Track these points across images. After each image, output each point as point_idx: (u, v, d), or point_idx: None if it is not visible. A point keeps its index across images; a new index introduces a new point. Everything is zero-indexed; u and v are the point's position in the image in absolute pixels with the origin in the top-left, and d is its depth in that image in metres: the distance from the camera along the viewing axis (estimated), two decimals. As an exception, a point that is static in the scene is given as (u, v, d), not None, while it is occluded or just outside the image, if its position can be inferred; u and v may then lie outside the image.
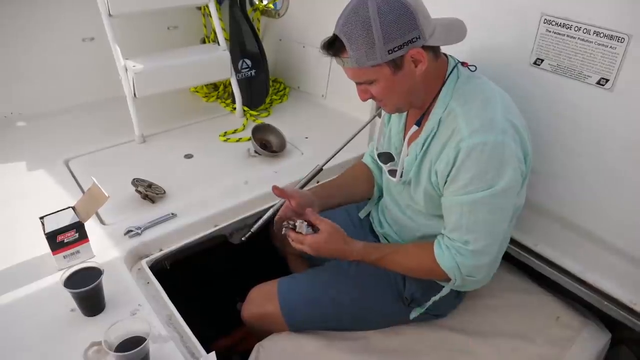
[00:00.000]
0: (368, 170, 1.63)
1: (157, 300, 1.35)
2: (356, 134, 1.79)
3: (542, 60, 1.44)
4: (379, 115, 1.58)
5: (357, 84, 1.22)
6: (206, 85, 2.82)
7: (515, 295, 1.60)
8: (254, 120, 2.44)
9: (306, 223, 1.31)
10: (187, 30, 2.89)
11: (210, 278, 1.93)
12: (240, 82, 2.47)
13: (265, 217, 1.66)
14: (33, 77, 2.43)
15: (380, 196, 1.63)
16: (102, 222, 1.62)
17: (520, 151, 1.17)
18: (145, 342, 1.04)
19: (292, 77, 2.89)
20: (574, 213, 1.52)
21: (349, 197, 1.59)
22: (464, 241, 1.20)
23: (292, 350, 1.41)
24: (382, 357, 1.40)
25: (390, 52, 1.10)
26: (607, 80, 1.31)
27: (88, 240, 1.41)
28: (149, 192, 1.72)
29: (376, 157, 1.47)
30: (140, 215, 1.64)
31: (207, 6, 2.41)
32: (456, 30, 1.22)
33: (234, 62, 2.43)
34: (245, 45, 2.54)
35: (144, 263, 1.48)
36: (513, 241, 1.67)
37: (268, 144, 2.16)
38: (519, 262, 1.70)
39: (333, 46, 1.14)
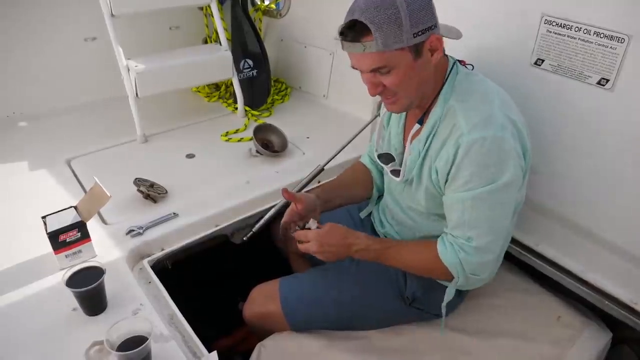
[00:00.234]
0: (367, 170, 1.63)
1: (159, 299, 1.35)
2: (357, 134, 1.79)
3: (543, 61, 1.44)
4: (380, 115, 1.58)
5: (370, 74, 1.16)
6: (208, 85, 2.82)
7: (516, 295, 1.60)
8: (255, 120, 2.44)
9: (316, 222, 1.33)
10: (189, 30, 2.89)
11: (211, 278, 1.93)
12: (241, 82, 2.47)
13: (266, 217, 1.67)
14: (35, 77, 2.44)
15: (380, 196, 1.63)
16: (104, 221, 1.62)
17: (519, 146, 1.17)
18: (147, 342, 1.04)
19: (293, 77, 2.89)
20: (575, 213, 1.52)
21: (349, 198, 1.59)
22: (466, 237, 1.20)
23: (294, 350, 1.41)
24: (384, 357, 1.40)
25: (415, 35, 1.09)
26: (607, 81, 1.31)
27: (90, 240, 1.41)
28: (151, 192, 1.73)
29: (376, 158, 1.47)
30: (142, 214, 1.65)
31: (209, 6, 2.41)
32: (454, 30, 1.23)
33: (236, 62, 2.43)
34: (247, 45, 2.54)
35: (145, 263, 1.48)
36: (514, 241, 1.67)
37: (270, 143, 2.16)
38: (520, 262, 1.70)
39: (353, 29, 1.10)
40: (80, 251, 1.39)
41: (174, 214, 1.65)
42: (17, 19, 2.32)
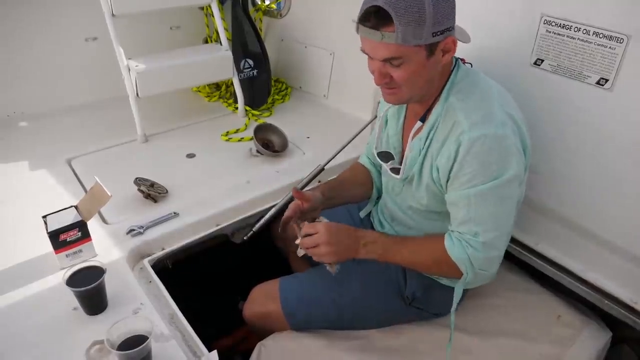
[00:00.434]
0: (366, 170, 1.63)
1: (159, 299, 1.35)
2: (357, 134, 1.80)
3: (543, 61, 1.44)
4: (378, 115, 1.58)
5: (381, 63, 1.14)
6: (208, 85, 2.83)
7: (517, 295, 1.61)
8: (255, 120, 2.45)
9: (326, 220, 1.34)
10: (189, 30, 2.90)
11: (212, 277, 1.93)
12: (242, 82, 2.48)
13: (267, 216, 1.67)
14: (36, 76, 2.44)
15: (380, 196, 1.63)
16: (104, 221, 1.63)
17: (519, 143, 1.18)
18: (147, 341, 1.04)
19: (294, 77, 2.89)
20: (574, 212, 1.52)
21: (350, 197, 1.59)
22: (473, 233, 1.20)
23: (294, 349, 1.42)
24: (384, 357, 1.41)
25: (434, 35, 1.08)
26: (606, 80, 1.31)
27: (90, 239, 1.42)
28: (151, 192, 1.73)
29: (375, 155, 1.46)
30: (143, 214, 1.65)
31: (209, 6, 2.42)
32: (465, 33, 1.23)
33: (236, 62, 2.44)
34: (248, 45, 2.55)
35: (146, 262, 1.48)
36: (514, 240, 1.67)
37: (270, 143, 2.16)
38: (520, 262, 1.70)
39: (376, 16, 1.06)
40: (80, 251, 1.40)
41: (175, 213, 1.66)
42: (18, 19, 2.32)
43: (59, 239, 1.34)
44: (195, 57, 2.34)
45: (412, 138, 1.30)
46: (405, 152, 1.33)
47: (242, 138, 2.26)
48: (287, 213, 1.39)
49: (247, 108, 2.51)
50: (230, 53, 2.36)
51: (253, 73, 2.56)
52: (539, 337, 1.47)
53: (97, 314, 1.24)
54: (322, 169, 1.73)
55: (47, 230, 1.34)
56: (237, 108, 2.51)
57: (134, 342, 1.05)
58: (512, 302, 1.58)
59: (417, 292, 1.44)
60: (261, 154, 2.07)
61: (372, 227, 1.63)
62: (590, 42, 1.32)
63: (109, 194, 1.37)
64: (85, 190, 1.79)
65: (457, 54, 1.29)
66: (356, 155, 1.96)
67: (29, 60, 2.41)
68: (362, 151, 1.69)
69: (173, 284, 1.42)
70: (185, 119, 2.45)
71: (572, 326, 1.50)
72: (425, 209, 1.36)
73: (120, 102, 2.21)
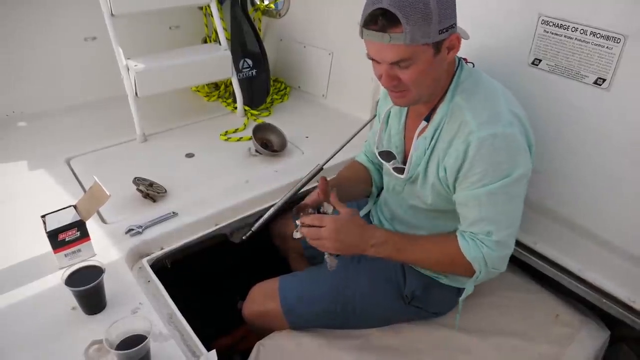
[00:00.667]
0: (364, 168, 1.63)
1: (158, 298, 1.35)
2: (356, 134, 1.80)
3: (540, 61, 1.45)
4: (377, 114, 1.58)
5: (389, 66, 1.13)
6: (207, 85, 2.83)
7: (515, 294, 1.61)
8: (254, 120, 2.45)
9: (332, 207, 1.31)
10: (188, 30, 2.90)
11: (210, 277, 1.93)
12: (241, 82, 2.48)
13: (265, 216, 1.67)
14: (35, 76, 2.44)
15: (379, 194, 1.63)
16: (103, 220, 1.63)
17: (525, 141, 1.18)
18: (146, 341, 1.04)
19: (292, 76, 2.89)
20: (573, 212, 1.53)
21: (350, 196, 1.58)
22: (486, 232, 1.20)
23: (293, 348, 1.42)
24: (382, 356, 1.41)
25: (440, 32, 1.08)
26: (603, 80, 1.32)
27: (89, 239, 1.41)
28: (150, 191, 1.73)
29: (377, 154, 1.46)
30: (141, 214, 1.65)
31: (208, 6, 2.42)
32: (462, 30, 1.23)
33: (235, 61, 2.44)
34: (246, 45, 2.55)
35: (144, 262, 1.48)
36: (513, 240, 1.68)
37: (269, 143, 2.17)
38: (519, 261, 1.70)
39: (383, 19, 1.05)
40: (79, 250, 1.40)
41: (173, 213, 1.66)
42: (18, 19, 2.32)
43: (57, 239, 1.34)
44: (194, 57, 2.34)
45: (417, 137, 1.30)
46: (410, 152, 1.32)
47: (241, 138, 2.26)
48: (304, 201, 1.36)
49: (246, 108, 2.51)
50: (229, 53, 2.36)
51: (252, 73, 2.56)
52: (537, 336, 1.47)
53: (95, 314, 1.24)
54: (321, 169, 1.73)
55: (45, 229, 1.34)
56: (236, 108, 2.51)
57: (133, 342, 1.05)
58: (511, 302, 1.58)
59: (417, 291, 1.44)
60: (260, 153, 2.07)
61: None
62: (588, 42, 1.32)
63: (108, 193, 1.37)
64: (84, 190, 1.79)
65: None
66: (354, 155, 1.96)
67: (28, 60, 2.41)
68: (361, 151, 1.69)
69: (172, 284, 1.42)
70: (184, 118, 2.45)
71: (571, 325, 1.50)
72: (429, 207, 1.36)
73: (119, 102, 2.21)
